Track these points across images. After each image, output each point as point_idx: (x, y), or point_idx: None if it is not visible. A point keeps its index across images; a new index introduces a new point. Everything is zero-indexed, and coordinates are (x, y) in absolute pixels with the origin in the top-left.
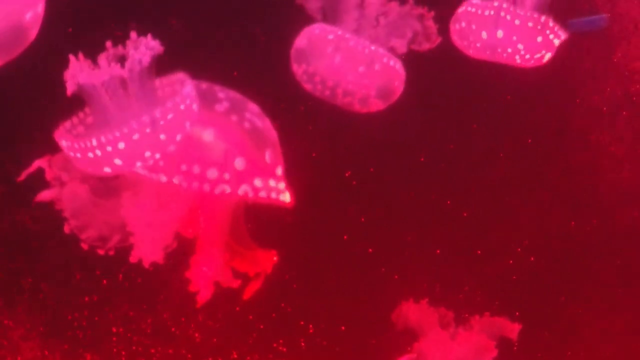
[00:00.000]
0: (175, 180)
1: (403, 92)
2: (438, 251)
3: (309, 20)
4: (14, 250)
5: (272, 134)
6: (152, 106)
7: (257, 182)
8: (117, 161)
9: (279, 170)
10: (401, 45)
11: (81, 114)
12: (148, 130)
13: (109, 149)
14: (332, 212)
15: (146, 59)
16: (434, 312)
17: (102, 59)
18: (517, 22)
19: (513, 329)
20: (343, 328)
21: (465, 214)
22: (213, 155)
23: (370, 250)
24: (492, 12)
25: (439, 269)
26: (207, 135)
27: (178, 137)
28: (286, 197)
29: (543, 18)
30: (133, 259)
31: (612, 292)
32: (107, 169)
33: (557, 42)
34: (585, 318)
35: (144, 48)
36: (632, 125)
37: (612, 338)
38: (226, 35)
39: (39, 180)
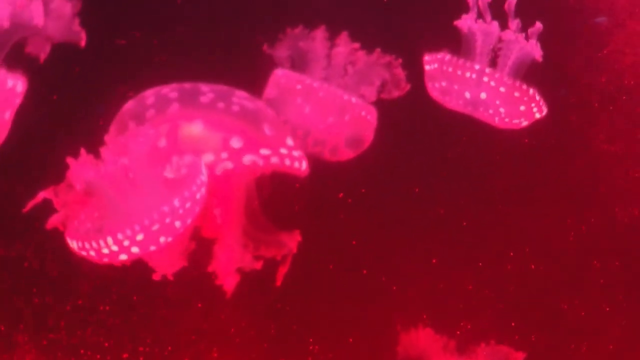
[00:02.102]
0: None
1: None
2: (434, 260)
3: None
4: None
5: (268, 112)
6: (160, 192)
7: (264, 151)
8: (135, 249)
9: (290, 141)
10: (370, 94)
11: (87, 210)
12: (168, 220)
13: (126, 243)
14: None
15: (146, 148)
16: (439, 340)
17: (105, 152)
18: (502, 89)
19: (517, 358)
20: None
21: (464, 223)
22: (207, 144)
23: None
24: (474, 75)
25: (438, 278)
26: (196, 128)
27: (189, 221)
28: (303, 165)
29: (531, 90)
30: (156, 276)
31: (612, 295)
32: (124, 257)
33: (537, 115)
34: (586, 322)
35: (142, 137)
36: (627, 122)
37: (612, 342)
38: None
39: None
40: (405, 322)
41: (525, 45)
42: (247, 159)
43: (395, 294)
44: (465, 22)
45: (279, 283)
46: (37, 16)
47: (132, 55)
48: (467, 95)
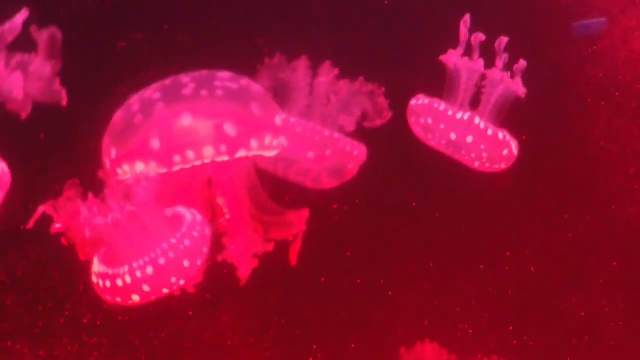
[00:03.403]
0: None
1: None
2: (431, 264)
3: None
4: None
5: (254, 88)
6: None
7: (254, 143)
8: (146, 287)
9: (279, 119)
10: (350, 123)
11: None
12: (172, 255)
13: (139, 274)
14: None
15: (147, 193)
16: (444, 354)
17: (109, 197)
18: (489, 132)
19: None
20: None
21: (462, 227)
22: (200, 135)
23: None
24: (465, 117)
25: (438, 281)
26: (185, 122)
27: (199, 262)
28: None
29: (507, 137)
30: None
31: (611, 295)
32: (136, 297)
33: (515, 154)
34: (586, 323)
35: (142, 182)
36: (623, 118)
37: (612, 344)
38: None
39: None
40: (406, 327)
41: (510, 84)
42: (241, 152)
43: (395, 299)
44: (452, 58)
45: (293, 263)
46: (17, 88)
47: (133, 58)
48: (453, 136)
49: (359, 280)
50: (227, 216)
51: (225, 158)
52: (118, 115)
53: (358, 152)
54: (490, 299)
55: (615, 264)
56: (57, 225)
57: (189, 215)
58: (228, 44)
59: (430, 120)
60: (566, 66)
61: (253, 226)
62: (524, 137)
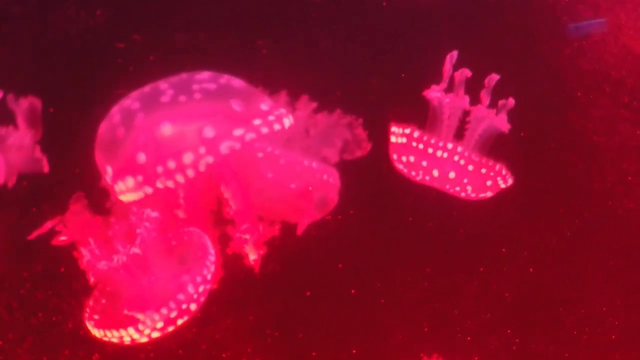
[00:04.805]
0: (160, 184)
1: None
2: (428, 270)
3: None
4: None
5: (234, 84)
6: (174, 275)
7: (238, 132)
8: (155, 334)
9: (264, 106)
10: (333, 155)
11: (97, 294)
12: (184, 306)
13: (147, 331)
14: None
15: (150, 234)
16: None
17: (114, 239)
18: (470, 167)
19: None
20: None
21: (462, 230)
22: (185, 140)
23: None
24: (445, 155)
25: (437, 284)
26: (166, 130)
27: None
28: (286, 123)
29: (497, 166)
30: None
31: (610, 292)
32: (144, 339)
33: (503, 185)
34: (585, 321)
35: (145, 223)
36: (615, 113)
37: (614, 333)
38: None
39: None
40: (405, 331)
41: (494, 121)
42: (224, 146)
43: (395, 303)
44: (435, 94)
45: (299, 233)
46: None
47: (131, 58)
48: (435, 173)
49: (357, 286)
50: (232, 205)
51: (210, 159)
52: (102, 128)
53: (333, 180)
54: (490, 301)
55: (614, 258)
56: (63, 238)
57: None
58: (226, 45)
59: (412, 159)
60: (558, 61)
61: (258, 213)
62: (522, 134)
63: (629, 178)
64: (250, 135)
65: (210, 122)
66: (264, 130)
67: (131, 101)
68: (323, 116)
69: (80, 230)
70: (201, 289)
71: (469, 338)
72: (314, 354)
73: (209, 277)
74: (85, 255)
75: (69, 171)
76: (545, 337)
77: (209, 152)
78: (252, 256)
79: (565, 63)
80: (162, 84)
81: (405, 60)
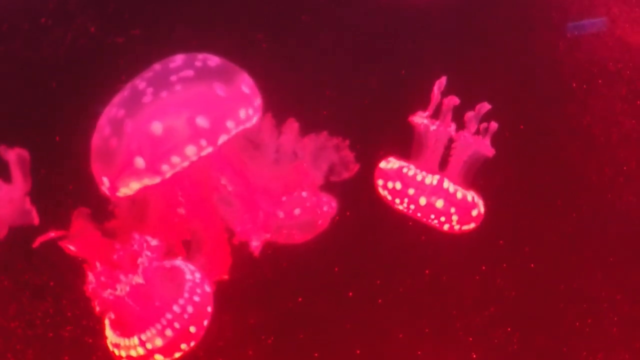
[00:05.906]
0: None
1: None
2: (427, 271)
3: None
4: None
5: (211, 63)
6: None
7: (230, 124)
8: (158, 357)
9: (245, 88)
10: (320, 177)
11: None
12: (177, 325)
13: (149, 346)
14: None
15: (151, 261)
16: None
17: (119, 267)
18: (459, 195)
19: None
20: None
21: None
22: (178, 135)
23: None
24: (434, 182)
25: (437, 284)
26: (157, 128)
27: (205, 322)
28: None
29: (476, 197)
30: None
31: (610, 288)
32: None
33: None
34: (585, 320)
35: (146, 251)
36: (607, 104)
37: (615, 326)
38: None
39: None
40: (406, 331)
41: (480, 147)
42: (222, 138)
43: (394, 302)
44: (421, 120)
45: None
46: None
47: (131, 54)
48: (423, 201)
49: (357, 286)
50: (232, 189)
51: (210, 149)
52: (94, 141)
53: (328, 208)
54: (491, 298)
55: (614, 254)
56: (72, 247)
57: (188, 274)
58: (226, 38)
59: (399, 185)
60: (554, 55)
61: (259, 199)
62: (521, 127)
63: (625, 168)
64: (251, 110)
65: (199, 111)
66: (251, 111)
67: (116, 109)
68: (310, 139)
69: (85, 248)
70: (190, 309)
71: (470, 339)
72: (316, 354)
73: (197, 298)
74: (91, 282)
75: (65, 187)
76: (546, 332)
77: (209, 142)
78: (255, 242)
79: (560, 56)
80: (140, 83)
81: (398, 68)
